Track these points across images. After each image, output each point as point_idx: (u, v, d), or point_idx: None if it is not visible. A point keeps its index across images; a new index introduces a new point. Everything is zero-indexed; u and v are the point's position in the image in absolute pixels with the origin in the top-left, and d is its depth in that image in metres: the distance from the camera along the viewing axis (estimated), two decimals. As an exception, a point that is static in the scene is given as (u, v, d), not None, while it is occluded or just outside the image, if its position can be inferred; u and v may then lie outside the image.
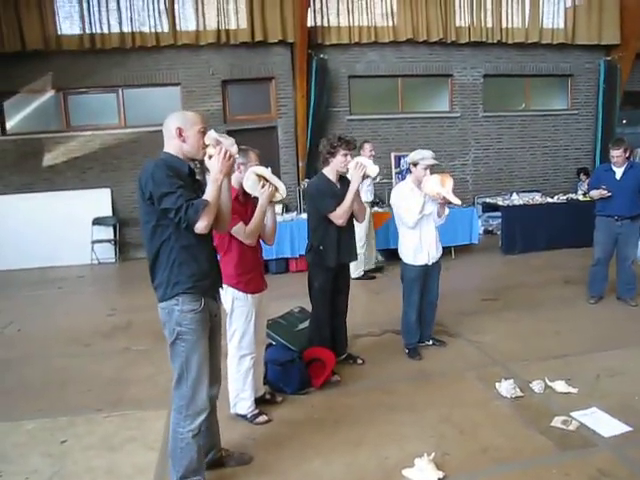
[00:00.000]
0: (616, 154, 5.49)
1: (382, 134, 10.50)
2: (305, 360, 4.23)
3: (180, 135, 2.59)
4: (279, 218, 7.73)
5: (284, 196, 3.49)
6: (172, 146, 2.63)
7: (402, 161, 10.19)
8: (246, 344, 3.55)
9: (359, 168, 3.97)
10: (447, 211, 4.51)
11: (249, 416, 3.63)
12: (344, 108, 10.40)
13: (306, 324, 4.61)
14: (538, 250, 8.27)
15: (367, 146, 7.12)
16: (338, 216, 4.08)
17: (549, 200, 8.66)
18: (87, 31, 9.28)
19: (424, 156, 4.35)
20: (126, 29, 9.39)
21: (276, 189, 3.39)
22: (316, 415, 3.72)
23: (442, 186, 4.17)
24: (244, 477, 3.03)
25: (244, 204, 3.48)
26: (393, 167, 9.74)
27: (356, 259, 4.48)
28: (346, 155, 4.06)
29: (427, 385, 4.08)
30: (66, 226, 9.18)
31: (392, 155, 10.05)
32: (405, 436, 3.35)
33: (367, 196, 7.02)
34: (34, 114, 9.89)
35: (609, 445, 3.11)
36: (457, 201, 4.29)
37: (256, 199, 3.41)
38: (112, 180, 9.78)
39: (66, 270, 8.96)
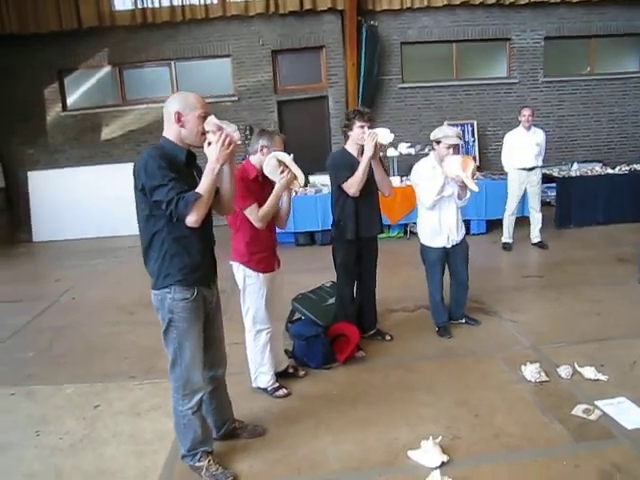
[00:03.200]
0: None
1: (435, 102, 10.17)
2: (330, 335, 4.25)
3: (179, 120, 2.51)
4: (325, 190, 7.73)
5: (302, 185, 3.46)
6: (171, 131, 2.57)
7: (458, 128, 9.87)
8: (260, 319, 3.59)
9: (370, 137, 3.86)
10: (469, 194, 4.30)
11: (269, 389, 3.71)
12: (396, 76, 10.11)
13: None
14: (595, 224, 7.81)
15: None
16: (349, 186, 4.00)
17: (609, 171, 8.10)
18: (139, 6, 9.43)
19: (446, 134, 4.17)
20: (176, 2, 9.47)
21: (295, 177, 3.35)
22: (335, 391, 3.74)
23: (463, 169, 3.98)
24: (254, 449, 3.11)
25: (262, 185, 3.47)
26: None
27: (379, 232, 4.37)
28: (362, 127, 3.96)
29: (452, 365, 4.00)
30: (123, 198, 9.47)
31: (445, 124, 9.70)
32: (420, 417, 3.32)
33: None
34: (92, 89, 10.26)
35: (630, 438, 2.94)
36: (475, 188, 4.07)
37: (274, 183, 3.39)
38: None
39: (122, 240, 9.33)
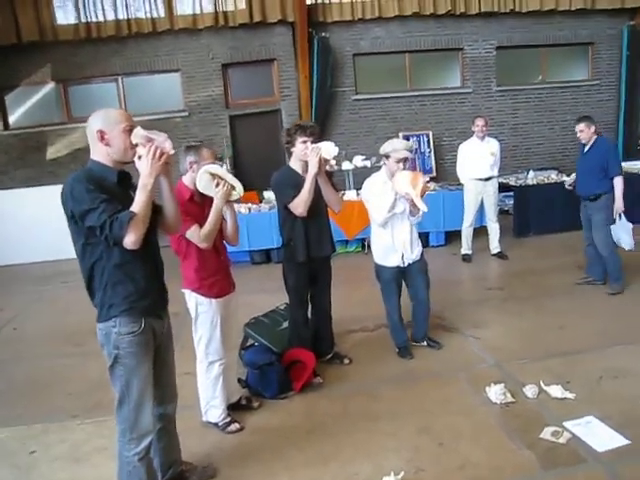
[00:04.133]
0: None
1: (391, 113, 10.11)
2: (285, 362, 4.01)
3: (102, 138, 2.33)
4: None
5: (241, 195, 3.24)
6: (97, 151, 2.38)
7: (411, 141, 9.82)
8: (213, 350, 3.37)
9: (314, 152, 3.65)
10: (421, 211, 4.01)
11: (220, 424, 3.47)
12: (350, 88, 10.02)
13: (288, 323, 4.37)
14: (553, 232, 7.78)
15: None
16: (295, 206, 3.78)
17: (565, 178, 8.12)
18: (82, 20, 9.10)
19: (395, 147, 3.99)
20: (121, 16, 9.18)
21: (232, 187, 3.15)
22: (291, 423, 3.51)
23: (413, 186, 3.79)
24: (202, 495, 2.85)
25: (201, 205, 3.25)
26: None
27: (332, 252, 4.14)
28: (305, 142, 3.74)
29: (414, 388, 3.80)
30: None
31: (401, 135, 9.68)
32: (382, 448, 3.11)
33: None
34: (36, 107, 9.85)
35: (601, 462, 2.80)
36: (423, 207, 3.87)
37: (213, 199, 3.17)
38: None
39: (72, 263, 8.84)
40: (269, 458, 3.13)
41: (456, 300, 5.49)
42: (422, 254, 4.28)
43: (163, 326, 2.61)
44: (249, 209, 7.59)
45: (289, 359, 4.03)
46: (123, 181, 2.44)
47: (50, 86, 9.71)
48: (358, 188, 8.13)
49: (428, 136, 9.98)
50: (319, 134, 3.93)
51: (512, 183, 8.26)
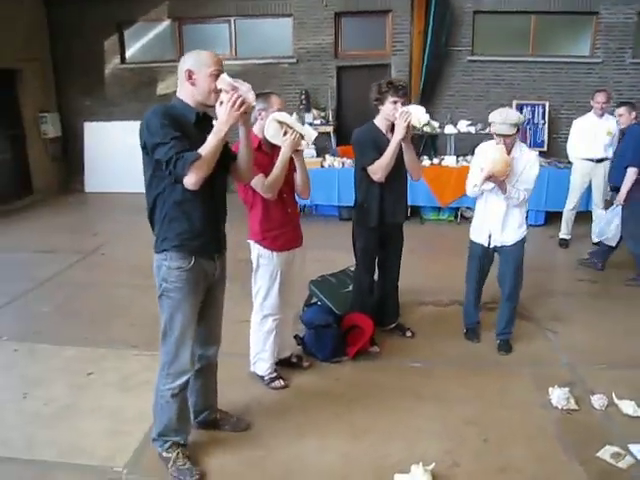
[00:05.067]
0: None
1: (506, 79, 9.33)
2: (344, 326, 3.92)
3: (190, 78, 2.38)
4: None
5: (312, 141, 3.15)
6: (183, 90, 2.43)
7: (525, 110, 9.12)
8: (269, 304, 3.35)
9: (403, 117, 3.39)
10: (518, 193, 3.58)
11: (266, 378, 3.48)
12: (466, 47, 9.33)
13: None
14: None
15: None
16: (374, 171, 3.57)
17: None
18: (201, -43, 9.10)
19: (494, 120, 3.54)
20: (240, -44, 9.07)
21: (301, 136, 3.04)
22: (336, 389, 3.45)
23: (493, 163, 3.43)
24: (232, 444, 2.90)
25: (270, 154, 3.15)
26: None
27: (405, 220, 3.93)
28: (396, 102, 3.49)
29: (472, 374, 3.59)
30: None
31: (514, 103, 9.00)
32: (420, 432, 2.97)
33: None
34: (151, 43, 10.07)
35: (662, 497, 2.47)
36: (485, 186, 3.58)
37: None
38: (219, 112, 9.79)
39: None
40: (304, 422, 3.09)
41: (541, 287, 5.08)
42: (520, 244, 3.79)
43: (215, 268, 2.61)
44: (342, 163, 7.40)
45: (348, 323, 3.93)
46: (202, 122, 2.45)
47: (166, 23, 9.89)
48: (459, 155, 7.75)
49: (544, 107, 9.15)
50: (409, 96, 3.65)
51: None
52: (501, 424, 3.01)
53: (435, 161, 7.49)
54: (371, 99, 3.63)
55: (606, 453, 2.71)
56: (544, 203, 7.18)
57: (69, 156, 10.37)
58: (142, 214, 2.67)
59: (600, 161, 6.07)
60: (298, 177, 3.27)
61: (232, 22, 9.72)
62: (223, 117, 2.30)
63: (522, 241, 3.78)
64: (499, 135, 3.54)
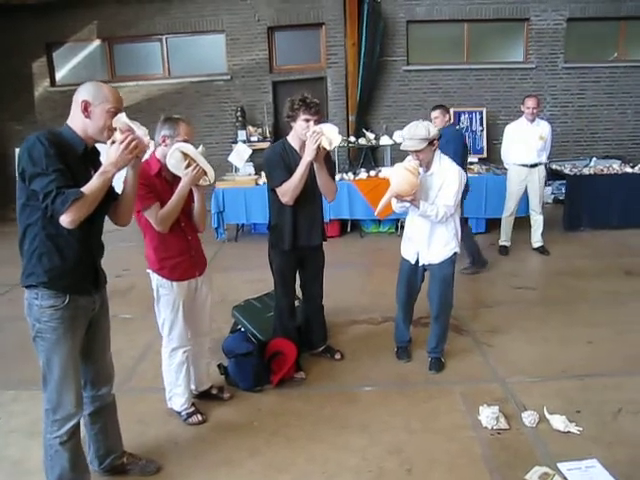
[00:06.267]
0: None
1: (443, 87, 9.37)
2: (268, 352, 3.67)
3: (85, 110, 2.23)
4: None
5: (212, 182, 2.96)
6: (75, 119, 2.27)
7: (463, 118, 9.13)
8: (176, 336, 3.10)
9: (313, 138, 3.18)
10: (425, 206, 3.36)
11: (183, 414, 3.24)
12: (401, 57, 9.33)
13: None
14: (608, 228, 6.97)
15: None
16: (282, 192, 3.36)
17: (627, 170, 7.22)
18: (128, -25, 8.87)
19: (403, 136, 3.40)
20: (167, -28, 8.87)
21: (204, 172, 2.85)
22: (256, 422, 3.19)
23: (397, 184, 3.26)
24: (137, 491, 2.60)
25: (169, 183, 2.95)
26: (452, 125, 8.66)
27: (321, 241, 3.68)
28: (307, 120, 3.27)
29: (400, 397, 3.37)
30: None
31: (451, 111, 8.96)
32: (340, 466, 2.74)
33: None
34: (81, 64, 9.80)
35: (591, 523, 2.29)
36: (377, 209, 3.46)
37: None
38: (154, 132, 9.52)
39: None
40: (220, 459, 2.85)
41: (478, 297, 4.96)
42: (448, 262, 3.56)
43: (94, 302, 2.42)
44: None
45: (272, 349, 3.69)
46: (88, 156, 2.32)
47: (96, 43, 9.62)
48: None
49: (482, 113, 9.19)
50: (322, 114, 3.46)
51: (567, 171, 7.42)
52: (426, 451, 2.80)
53: (372, 173, 7.34)
54: (283, 116, 3.42)
55: (534, 475, 2.52)
56: (484, 211, 7.12)
57: (2, 184, 9.89)
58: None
59: (534, 166, 6.03)
60: (196, 211, 3.09)
61: (164, 40, 9.53)
62: (113, 158, 2.18)
63: (450, 259, 3.56)
64: (409, 151, 3.37)
